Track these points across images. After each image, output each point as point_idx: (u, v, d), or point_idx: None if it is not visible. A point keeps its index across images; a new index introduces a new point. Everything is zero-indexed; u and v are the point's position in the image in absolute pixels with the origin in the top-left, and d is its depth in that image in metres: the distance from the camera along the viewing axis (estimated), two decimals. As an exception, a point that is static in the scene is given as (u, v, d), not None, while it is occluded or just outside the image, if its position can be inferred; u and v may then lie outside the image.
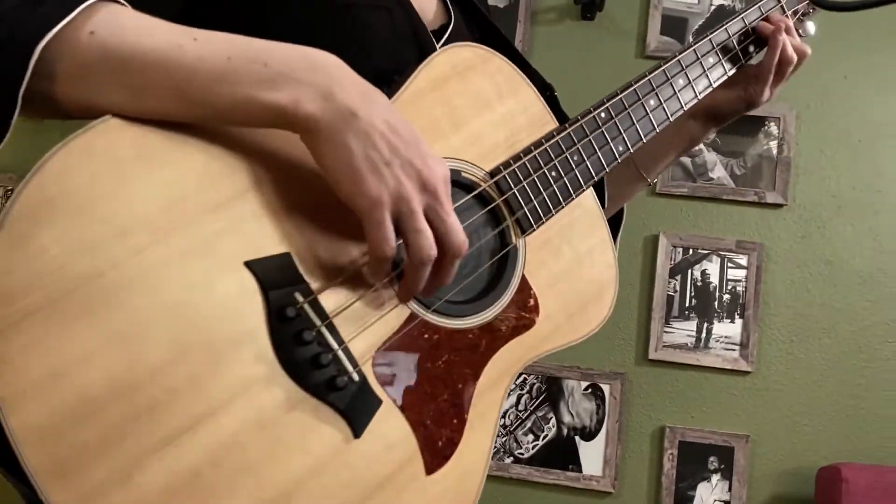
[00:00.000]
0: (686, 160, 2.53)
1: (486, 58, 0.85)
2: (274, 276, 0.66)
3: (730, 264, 2.52)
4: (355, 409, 0.68)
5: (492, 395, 0.80)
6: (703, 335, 2.50)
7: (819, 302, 2.48)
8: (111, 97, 0.62)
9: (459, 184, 0.81)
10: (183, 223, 0.62)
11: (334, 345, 0.68)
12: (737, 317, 2.49)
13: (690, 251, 2.53)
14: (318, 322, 0.67)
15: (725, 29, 1.03)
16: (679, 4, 2.58)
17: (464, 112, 0.82)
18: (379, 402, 0.71)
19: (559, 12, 2.60)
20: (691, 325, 2.51)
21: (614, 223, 1.10)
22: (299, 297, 0.67)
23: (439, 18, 0.94)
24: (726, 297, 2.50)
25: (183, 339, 0.60)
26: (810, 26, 1.09)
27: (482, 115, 0.84)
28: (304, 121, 0.64)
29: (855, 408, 2.43)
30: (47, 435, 0.55)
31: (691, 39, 2.55)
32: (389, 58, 0.77)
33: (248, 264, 0.65)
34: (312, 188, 0.69)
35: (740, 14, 1.05)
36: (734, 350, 2.48)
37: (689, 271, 2.53)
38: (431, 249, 0.67)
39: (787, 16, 1.07)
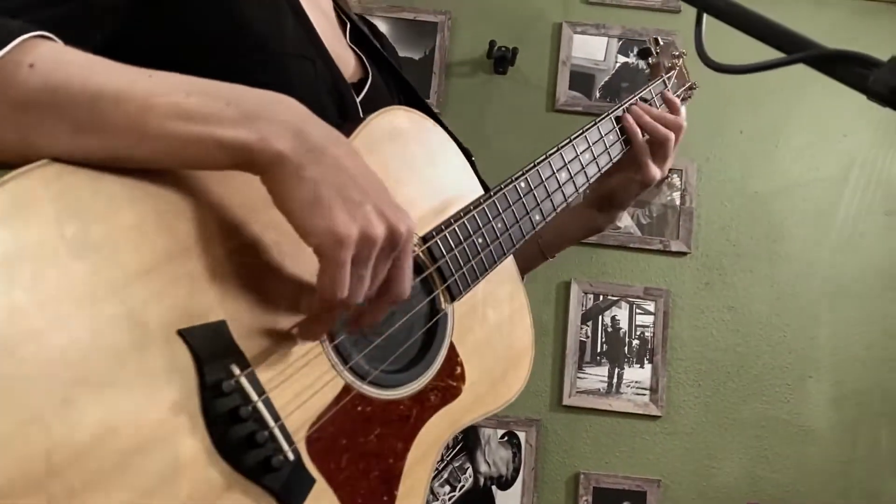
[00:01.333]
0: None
1: (420, 123, 0.86)
2: (209, 347, 0.61)
3: (638, 310, 2.59)
4: (290, 490, 0.65)
5: (421, 469, 0.79)
6: (615, 380, 2.55)
7: (723, 347, 2.58)
8: (50, 135, 0.57)
9: None
10: (111, 287, 0.57)
11: (270, 422, 0.64)
12: (646, 362, 2.56)
13: (601, 297, 2.59)
14: (254, 397, 0.63)
15: (624, 108, 1.08)
16: (586, 61, 2.68)
17: (399, 175, 0.82)
18: (312, 481, 0.68)
19: (473, 66, 2.65)
20: (603, 371, 2.55)
21: None
22: (235, 370, 0.63)
23: (357, 73, 0.95)
24: (636, 342, 2.57)
25: (108, 419, 0.55)
26: (683, 111, 1.16)
27: (416, 179, 0.84)
28: (271, 158, 0.60)
29: (759, 449, 2.53)
30: None
31: (598, 95, 2.66)
32: (311, 106, 0.77)
33: (182, 333, 0.60)
34: (251, 249, 0.66)
35: (637, 94, 1.11)
36: (644, 395, 2.54)
37: (600, 317, 2.59)
38: (358, 298, 0.64)
39: (677, 96, 1.14)
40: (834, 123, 2.65)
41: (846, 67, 0.60)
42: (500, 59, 2.60)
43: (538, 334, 2.51)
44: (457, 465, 2.48)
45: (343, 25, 0.99)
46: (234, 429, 0.62)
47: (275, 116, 0.61)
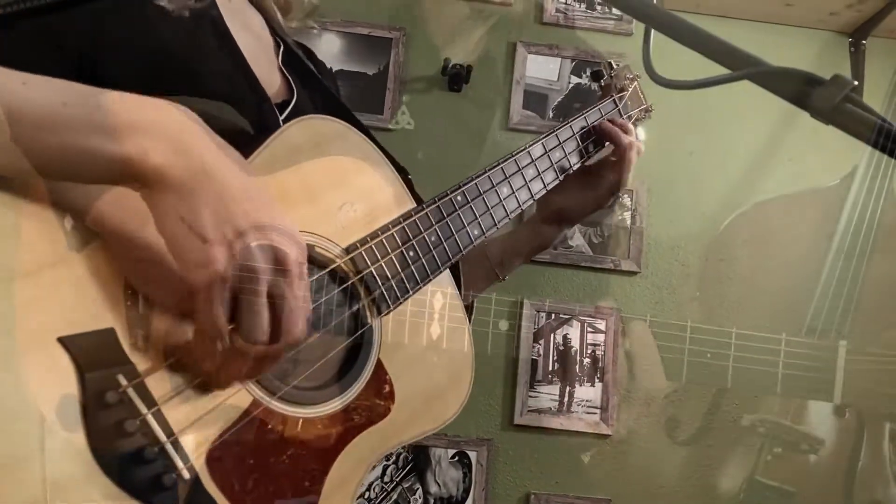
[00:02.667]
0: (548, 228, 2.62)
1: (342, 132, 0.84)
2: (93, 355, 0.58)
3: (589, 329, 2.59)
4: None
5: (342, 492, 0.76)
6: (566, 399, 2.54)
7: (672, 366, 2.59)
8: None
9: (312, 259, 0.77)
10: None
11: (162, 436, 0.61)
12: (597, 380, 2.56)
13: (553, 316, 2.59)
14: (143, 409, 0.60)
15: (570, 126, 1.08)
16: (540, 81, 2.70)
17: (318, 184, 0.79)
18: (212, 503, 0.65)
19: (427, 82, 2.65)
20: (554, 390, 2.55)
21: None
22: (122, 380, 0.60)
23: (282, 94, 0.92)
24: (587, 360, 2.57)
25: None
26: (640, 132, 1.17)
27: (337, 189, 0.81)
28: (151, 174, 0.57)
29: (708, 468, 2.53)
30: None
31: (551, 115, 2.68)
32: (229, 121, 0.73)
33: (62, 340, 0.57)
34: (145, 255, 0.63)
35: (583, 113, 1.11)
36: (595, 413, 2.54)
37: (552, 335, 2.58)
38: (263, 335, 0.62)
39: (629, 116, 1.16)
40: (779, 148, 2.69)
41: (790, 85, 0.60)
42: (455, 77, 2.60)
43: (489, 353, 2.51)
44: (406, 486, 2.45)
45: (277, 48, 0.98)
46: (120, 443, 0.58)
47: (155, 128, 0.58)
